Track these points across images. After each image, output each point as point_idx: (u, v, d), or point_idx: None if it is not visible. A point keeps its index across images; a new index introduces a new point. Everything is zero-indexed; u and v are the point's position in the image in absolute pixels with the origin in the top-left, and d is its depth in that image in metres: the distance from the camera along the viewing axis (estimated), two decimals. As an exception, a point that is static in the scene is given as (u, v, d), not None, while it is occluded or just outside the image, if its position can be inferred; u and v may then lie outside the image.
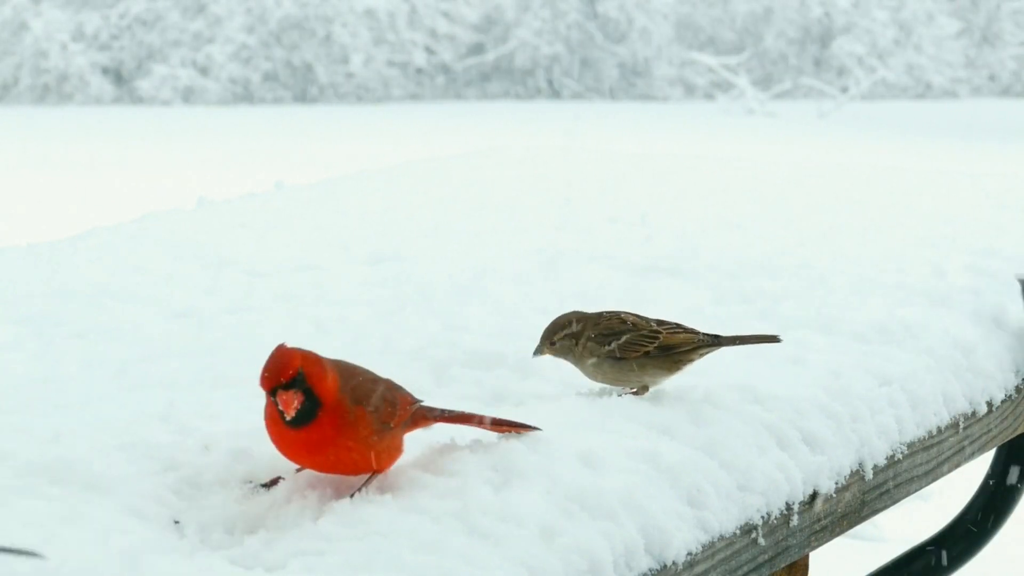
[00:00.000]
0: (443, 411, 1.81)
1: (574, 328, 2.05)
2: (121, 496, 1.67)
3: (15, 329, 2.40)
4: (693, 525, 1.84)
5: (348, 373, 1.73)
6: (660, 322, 2.06)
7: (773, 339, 2.07)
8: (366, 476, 1.73)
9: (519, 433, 1.84)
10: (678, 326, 2.06)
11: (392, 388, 1.77)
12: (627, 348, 2.02)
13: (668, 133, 20.35)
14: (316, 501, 1.69)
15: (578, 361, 2.06)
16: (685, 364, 2.04)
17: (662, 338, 2.02)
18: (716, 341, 2.05)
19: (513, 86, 30.00)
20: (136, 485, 1.70)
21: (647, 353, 2.01)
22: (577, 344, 2.05)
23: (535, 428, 1.85)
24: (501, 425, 1.84)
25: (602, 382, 2.07)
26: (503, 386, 2.10)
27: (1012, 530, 3.48)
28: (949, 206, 3.65)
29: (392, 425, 1.73)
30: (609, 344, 2.02)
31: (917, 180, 4.14)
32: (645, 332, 2.02)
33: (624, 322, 2.04)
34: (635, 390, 2.05)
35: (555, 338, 2.06)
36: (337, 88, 28.63)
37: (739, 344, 2.07)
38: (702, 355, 2.05)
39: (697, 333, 2.05)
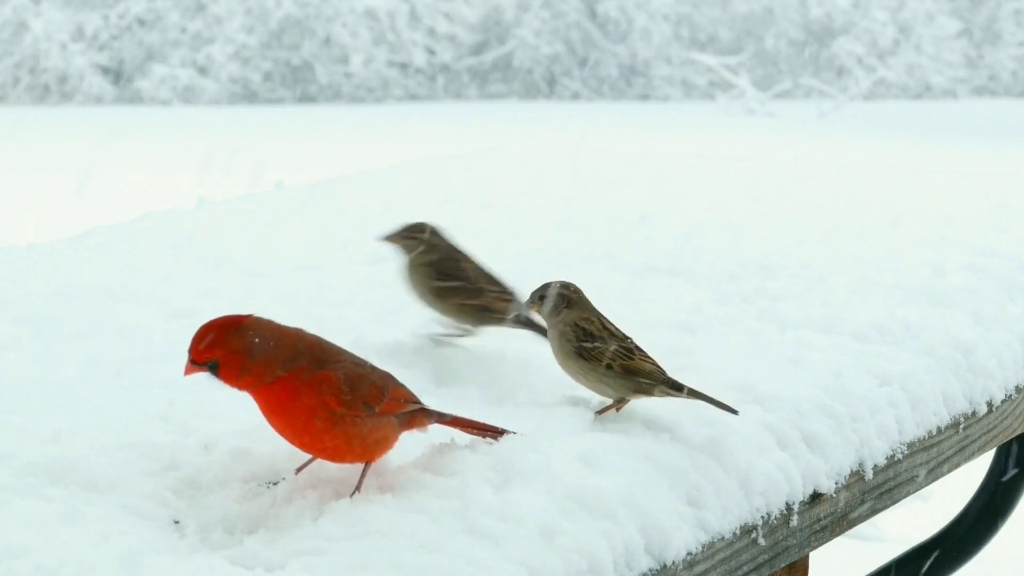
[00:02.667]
0: (441, 414, 1.82)
1: (571, 296, 2.03)
2: (121, 496, 1.67)
3: (15, 329, 2.40)
4: (693, 525, 1.84)
5: (299, 344, 1.73)
6: (639, 348, 2.01)
7: (731, 411, 1.96)
8: (360, 468, 1.73)
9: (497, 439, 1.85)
10: (649, 359, 2.00)
11: (387, 378, 1.77)
12: (593, 352, 1.98)
13: (668, 133, 20.35)
14: (316, 501, 1.69)
15: (552, 330, 2.02)
16: (642, 394, 1.98)
17: (632, 362, 1.98)
18: (678, 388, 1.97)
19: (513, 86, 29.99)
20: (136, 485, 1.70)
21: (608, 366, 1.98)
22: (560, 314, 2.02)
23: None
24: (486, 430, 1.84)
25: (565, 371, 2.03)
26: (503, 386, 2.10)
27: (1012, 530, 3.48)
28: (949, 206, 3.65)
29: (377, 410, 1.73)
30: (582, 343, 2.00)
31: (917, 180, 4.13)
32: (618, 349, 1.99)
33: (605, 332, 2.01)
34: (613, 403, 2.00)
35: (546, 292, 2.03)
36: (337, 88, 28.63)
37: (698, 399, 1.97)
38: (663, 393, 1.97)
39: (663, 373, 1.98)
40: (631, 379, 1.98)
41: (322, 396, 1.69)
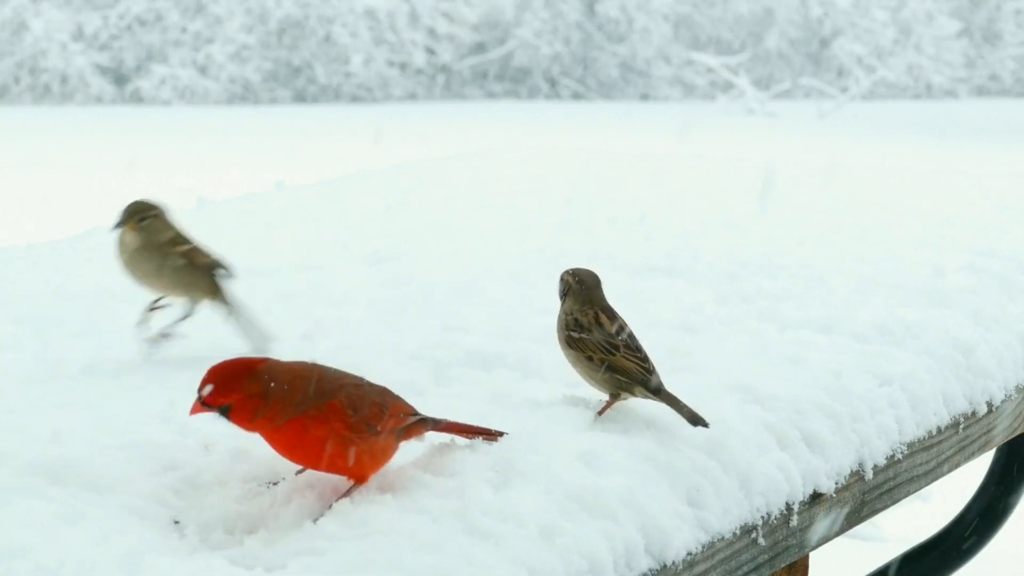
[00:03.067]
0: (436, 421, 1.81)
1: (572, 284, 2.05)
2: (121, 496, 1.67)
3: (15, 329, 2.40)
4: (693, 525, 1.84)
5: (302, 377, 1.72)
6: (628, 347, 2.00)
7: (703, 423, 1.93)
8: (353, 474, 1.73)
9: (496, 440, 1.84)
10: (642, 359, 1.99)
11: (385, 394, 1.77)
12: (579, 343, 2.00)
13: (668, 133, 20.35)
14: (316, 501, 1.69)
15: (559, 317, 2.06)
16: (627, 392, 1.98)
17: (613, 359, 1.98)
18: (657, 391, 1.96)
19: (513, 86, 30.00)
20: (136, 485, 1.70)
21: (589, 358, 1.99)
22: (563, 302, 2.05)
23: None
24: (482, 433, 1.84)
25: (565, 357, 2.05)
26: (503, 386, 2.10)
27: (1012, 530, 3.48)
28: (949, 206, 3.66)
29: (379, 428, 1.73)
30: (570, 332, 2.01)
31: (917, 180, 4.14)
32: (602, 343, 2.00)
33: (595, 325, 2.02)
34: (609, 400, 2.00)
35: (565, 275, 2.07)
36: (337, 88, 28.63)
37: (672, 407, 1.95)
38: (642, 395, 1.97)
39: (649, 376, 1.97)
40: (610, 375, 1.98)
41: (331, 424, 1.69)
